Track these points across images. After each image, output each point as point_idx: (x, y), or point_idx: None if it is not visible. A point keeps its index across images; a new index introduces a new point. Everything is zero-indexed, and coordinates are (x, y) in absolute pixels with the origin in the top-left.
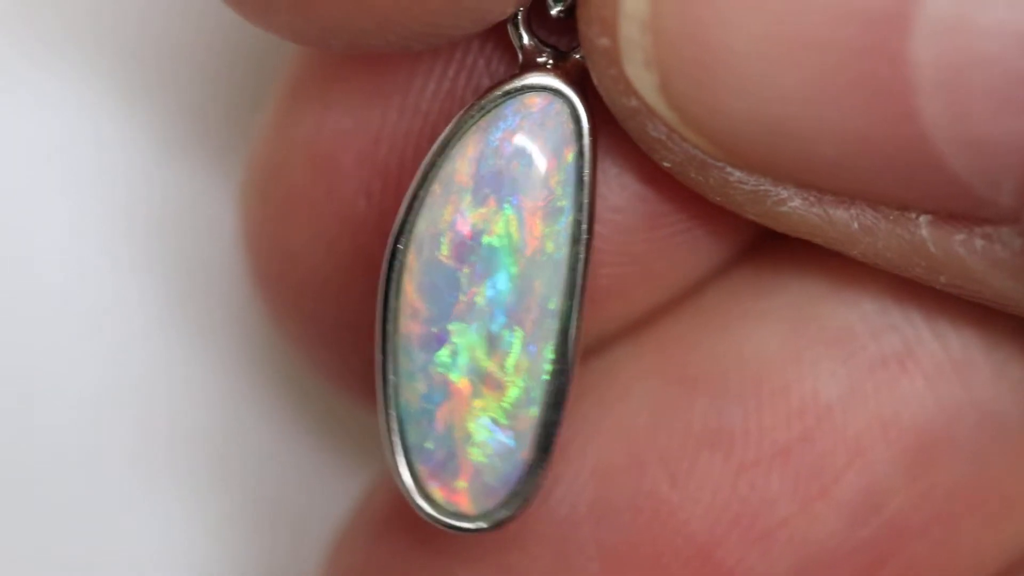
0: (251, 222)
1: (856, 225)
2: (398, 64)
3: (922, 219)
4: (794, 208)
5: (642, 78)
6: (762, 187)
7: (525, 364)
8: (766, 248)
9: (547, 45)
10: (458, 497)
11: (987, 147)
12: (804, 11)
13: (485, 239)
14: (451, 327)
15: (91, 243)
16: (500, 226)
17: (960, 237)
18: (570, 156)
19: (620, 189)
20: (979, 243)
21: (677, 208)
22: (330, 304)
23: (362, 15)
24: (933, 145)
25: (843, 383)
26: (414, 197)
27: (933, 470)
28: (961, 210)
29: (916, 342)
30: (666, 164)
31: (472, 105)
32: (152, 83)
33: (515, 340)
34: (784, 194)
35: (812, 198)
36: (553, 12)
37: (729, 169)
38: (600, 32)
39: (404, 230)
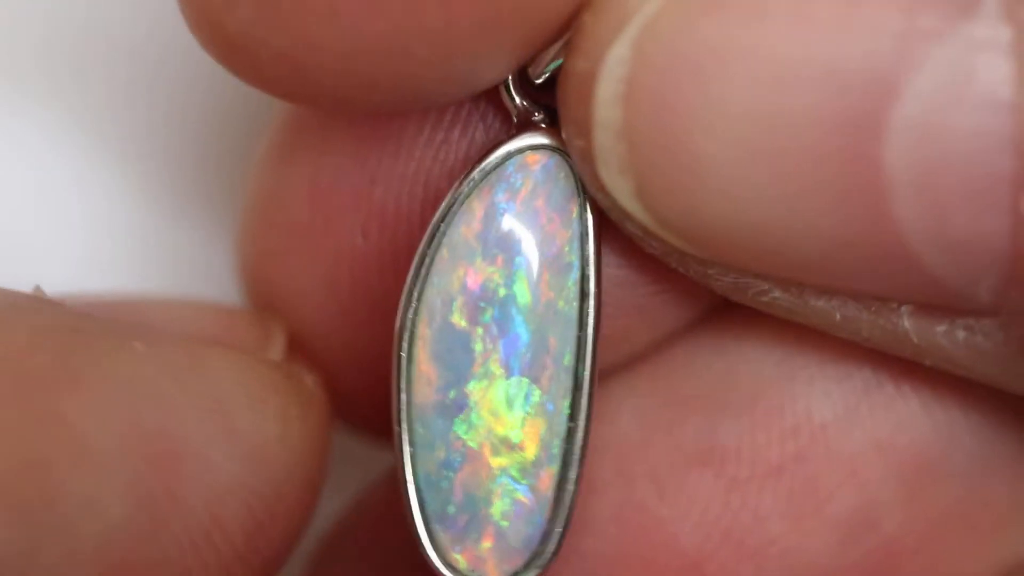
0: (249, 256)
1: (838, 316)
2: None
3: (903, 309)
4: (775, 299)
5: (617, 183)
6: (742, 280)
7: (543, 423)
8: None
9: (539, 105)
10: (481, 562)
11: (964, 247)
12: (777, 118)
13: (497, 299)
14: (467, 390)
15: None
16: (511, 286)
17: (942, 328)
18: (575, 211)
19: (625, 244)
20: (961, 334)
21: (659, 281)
22: (327, 338)
23: (351, 82)
24: (909, 245)
25: (837, 404)
26: (421, 263)
27: (928, 491)
28: (941, 303)
29: (912, 364)
30: (649, 251)
31: (473, 167)
32: (144, 128)
33: (533, 399)
34: (764, 287)
35: (793, 291)
36: (537, 82)
37: (707, 265)
38: (575, 134)
39: (412, 298)
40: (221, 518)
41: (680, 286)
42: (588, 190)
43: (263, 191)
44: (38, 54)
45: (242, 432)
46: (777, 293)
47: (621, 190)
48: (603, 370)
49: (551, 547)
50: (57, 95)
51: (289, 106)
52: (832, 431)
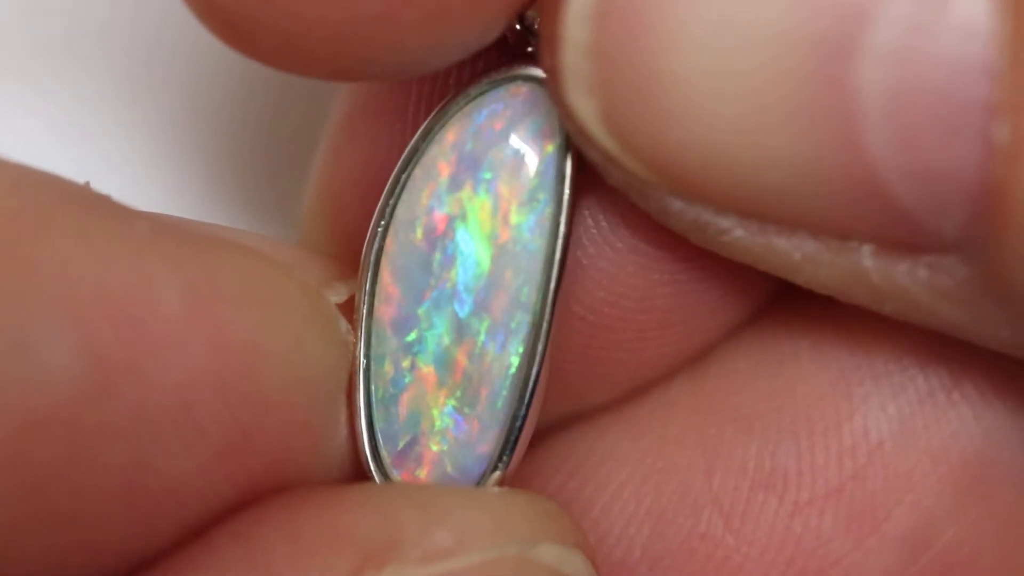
0: (315, 241)
1: (799, 255)
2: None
3: (865, 249)
4: (736, 238)
5: (582, 104)
6: (703, 217)
7: (491, 354)
8: None
9: (535, 35)
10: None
11: (933, 176)
12: (750, 40)
13: (459, 225)
14: (420, 312)
15: None
16: (475, 212)
17: (903, 267)
18: (550, 148)
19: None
20: (923, 273)
21: (700, 265)
22: None
23: (346, 54)
24: (878, 174)
25: (893, 418)
26: (396, 181)
27: (982, 502)
28: (904, 239)
29: (961, 371)
30: (611, 182)
31: (458, 92)
32: (159, 126)
33: (482, 329)
34: (725, 224)
35: (754, 227)
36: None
37: (669, 199)
38: (545, 51)
39: (385, 213)
40: (191, 404)
41: (700, 287)
42: (558, 114)
43: (327, 172)
44: (48, 51)
45: (230, 329)
46: (739, 231)
47: (586, 112)
48: (659, 374)
49: (492, 481)
50: (67, 92)
51: (346, 91)
52: (889, 447)
